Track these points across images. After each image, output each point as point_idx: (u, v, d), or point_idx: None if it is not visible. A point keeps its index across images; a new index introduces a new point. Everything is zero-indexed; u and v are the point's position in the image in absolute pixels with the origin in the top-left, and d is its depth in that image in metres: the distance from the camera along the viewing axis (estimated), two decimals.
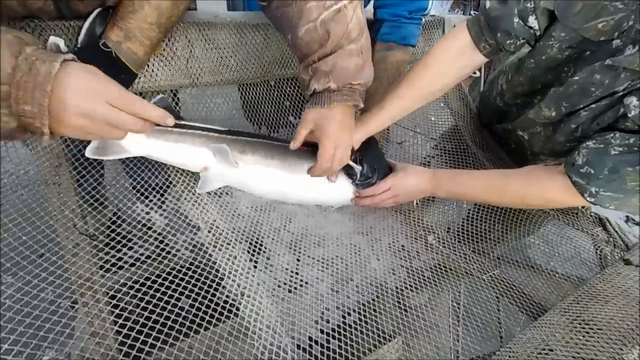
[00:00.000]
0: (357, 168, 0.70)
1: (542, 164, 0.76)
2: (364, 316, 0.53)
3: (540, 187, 0.61)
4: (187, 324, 0.43)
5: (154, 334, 0.41)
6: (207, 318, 0.44)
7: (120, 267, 0.47)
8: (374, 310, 0.56)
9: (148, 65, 0.58)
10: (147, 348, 0.39)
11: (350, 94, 0.55)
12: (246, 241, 0.58)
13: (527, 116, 0.71)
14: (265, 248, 0.60)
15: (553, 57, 0.63)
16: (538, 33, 0.61)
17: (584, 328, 0.50)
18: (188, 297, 0.45)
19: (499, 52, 0.65)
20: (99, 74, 0.39)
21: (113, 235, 0.49)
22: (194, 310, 0.44)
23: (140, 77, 0.58)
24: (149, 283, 0.45)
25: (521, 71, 0.72)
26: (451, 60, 0.66)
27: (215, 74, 0.66)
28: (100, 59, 0.51)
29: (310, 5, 0.49)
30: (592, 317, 0.53)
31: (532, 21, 0.59)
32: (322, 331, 0.49)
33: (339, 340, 0.48)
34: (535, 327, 0.53)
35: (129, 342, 0.41)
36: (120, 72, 0.53)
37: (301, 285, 0.55)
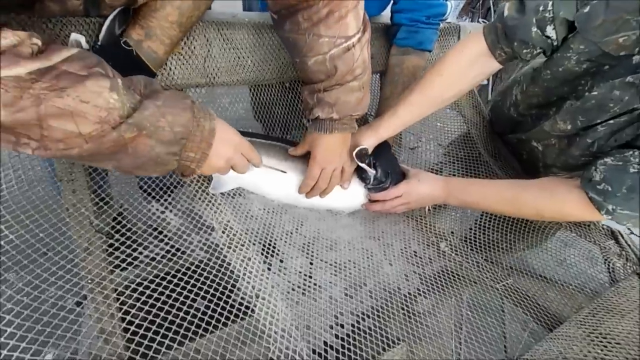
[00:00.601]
0: (371, 172, 0.70)
1: (554, 176, 0.75)
2: (379, 321, 0.53)
3: (556, 200, 0.60)
4: (203, 325, 0.42)
5: (165, 332, 0.41)
6: (222, 320, 0.44)
7: (135, 266, 0.47)
8: (387, 317, 0.55)
9: (166, 64, 0.58)
10: (160, 347, 0.39)
11: (349, 123, 0.60)
12: (259, 243, 0.58)
13: (542, 128, 0.71)
14: (278, 250, 0.59)
15: (570, 70, 0.62)
16: (555, 43, 0.60)
17: (601, 342, 0.50)
18: (203, 298, 0.45)
19: (515, 59, 0.65)
20: (231, 128, 0.52)
21: (128, 234, 0.49)
22: (209, 312, 0.44)
23: (157, 76, 0.58)
24: (164, 282, 0.44)
25: (536, 82, 0.71)
26: (465, 67, 0.66)
27: (231, 74, 0.66)
28: (120, 57, 0.51)
29: (322, 41, 0.52)
30: (609, 330, 0.52)
31: (550, 31, 0.59)
32: (336, 336, 0.49)
33: (354, 345, 0.48)
34: (551, 338, 0.52)
35: (136, 339, 0.40)
36: (139, 71, 0.53)
37: (315, 289, 0.55)
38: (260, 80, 0.71)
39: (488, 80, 2.24)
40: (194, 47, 0.61)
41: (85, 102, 0.35)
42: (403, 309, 0.58)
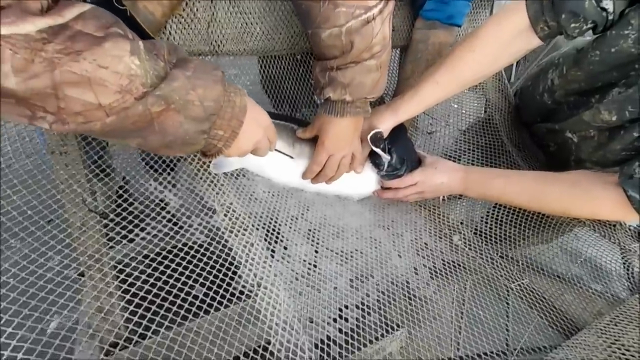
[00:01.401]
0: (386, 158, 0.65)
1: (586, 170, 0.69)
2: (384, 317, 0.50)
3: (588, 198, 0.55)
4: (204, 306, 0.40)
5: (163, 312, 0.39)
6: (225, 302, 0.42)
7: (131, 240, 0.44)
8: (389, 308, 0.52)
9: (165, 27, 0.53)
10: (151, 325, 0.37)
11: (362, 106, 0.56)
12: (263, 228, 0.55)
13: (581, 118, 0.64)
14: (282, 236, 0.56)
15: (625, 51, 0.54)
16: (611, 17, 0.52)
17: (624, 354, 0.46)
18: (202, 285, 0.43)
19: (559, 35, 0.57)
20: (261, 108, 0.48)
21: (124, 213, 0.46)
22: (208, 299, 0.41)
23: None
24: (161, 267, 0.42)
25: (580, 65, 0.63)
26: (503, 43, 0.58)
27: (238, 42, 0.60)
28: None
29: (339, 11, 0.46)
30: (632, 342, 0.48)
31: (607, 2, 0.51)
32: (340, 330, 0.46)
33: (358, 340, 0.46)
34: (568, 346, 0.49)
35: (135, 319, 0.39)
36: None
37: (319, 280, 0.52)
38: (270, 51, 0.65)
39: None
40: (197, 10, 0.55)
41: (103, 68, 0.31)
42: (405, 299, 0.55)
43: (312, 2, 0.47)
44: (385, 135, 0.66)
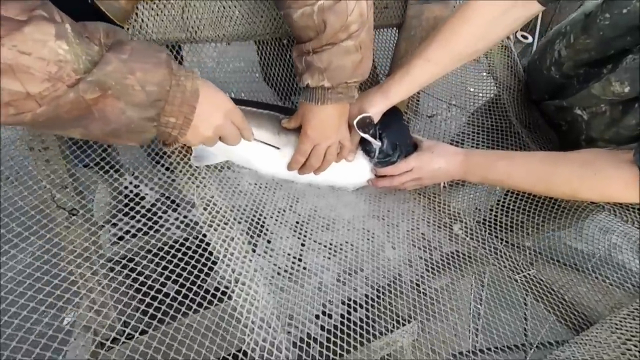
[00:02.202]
0: (376, 144, 0.61)
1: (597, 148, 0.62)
2: (372, 312, 0.47)
3: (600, 178, 0.49)
4: (171, 311, 0.38)
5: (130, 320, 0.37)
6: (194, 306, 0.40)
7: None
8: (384, 307, 0.49)
9: (137, 14, 0.51)
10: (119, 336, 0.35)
11: (345, 92, 0.52)
12: (246, 221, 0.53)
13: (590, 91, 0.57)
14: (267, 230, 0.54)
15: (638, 12, 0.48)
16: None
17: None
18: (175, 282, 0.41)
19: None
20: (221, 92, 0.46)
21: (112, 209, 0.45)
22: (179, 298, 0.40)
23: (127, 29, 0.51)
24: (131, 265, 0.40)
25: (589, 31, 0.57)
26: (499, 12, 0.52)
27: (216, 28, 0.58)
28: (74, 5, 0.43)
29: None
30: None
31: None
32: (322, 327, 0.44)
33: (341, 338, 0.43)
34: (576, 343, 0.44)
35: (108, 323, 0.38)
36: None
37: (303, 274, 0.49)
38: (251, 36, 0.62)
39: (533, 36, 1.92)
40: None
41: (26, 54, 0.29)
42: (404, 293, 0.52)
43: None
44: (377, 119, 0.62)
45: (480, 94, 0.84)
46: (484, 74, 0.85)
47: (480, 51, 0.58)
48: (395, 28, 0.79)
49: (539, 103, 0.77)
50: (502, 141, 0.77)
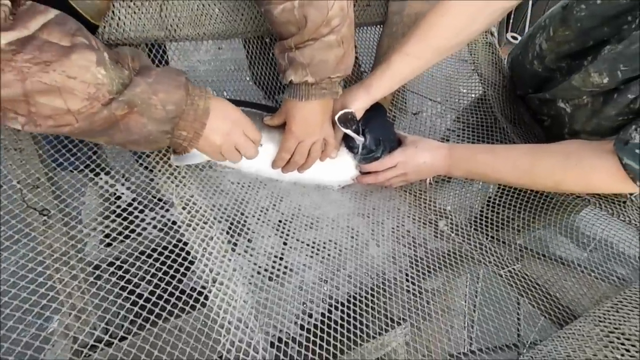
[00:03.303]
0: (359, 140, 0.61)
1: (579, 140, 0.62)
2: (353, 311, 0.46)
3: (581, 169, 0.49)
4: (144, 314, 0.37)
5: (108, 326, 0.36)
6: (168, 308, 0.39)
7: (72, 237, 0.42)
8: (366, 305, 0.49)
9: (113, 12, 0.50)
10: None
11: (329, 87, 0.53)
12: (226, 220, 0.52)
13: (571, 83, 0.57)
14: (248, 229, 0.53)
15: (613, 1, 0.48)
16: None
17: (623, 344, 0.41)
18: (149, 282, 0.40)
19: None
20: (232, 106, 0.51)
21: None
22: (153, 298, 0.39)
23: (104, 27, 0.50)
24: (104, 265, 0.39)
25: (568, 23, 0.57)
26: (477, 3, 0.52)
27: (196, 26, 0.57)
28: (48, 3, 0.43)
29: None
30: (634, 330, 0.43)
31: None
32: (302, 327, 0.43)
33: (321, 339, 0.42)
34: (559, 337, 0.44)
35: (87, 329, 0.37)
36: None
37: (285, 273, 0.49)
38: (232, 34, 0.61)
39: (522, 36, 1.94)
40: None
41: (72, 78, 0.34)
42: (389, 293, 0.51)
43: None
44: (360, 115, 0.61)
45: (465, 90, 0.84)
46: (470, 69, 0.85)
47: (460, 44, 0.57)
48: (378, 26, 0.79)
49: (524, 97, 0.78)
50: (487, 137, 0.77)
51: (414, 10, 0.67)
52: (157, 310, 0.38)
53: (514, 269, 0.55)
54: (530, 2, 1.57)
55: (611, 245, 0.64)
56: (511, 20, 1.62)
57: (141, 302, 0.38)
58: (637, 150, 0.44)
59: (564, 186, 0.53)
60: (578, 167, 0.49)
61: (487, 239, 0.61)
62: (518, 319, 0.56)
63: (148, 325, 0.37)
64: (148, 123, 0.41)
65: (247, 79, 0.76)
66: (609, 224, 0.67)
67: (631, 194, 0.71)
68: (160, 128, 0.42)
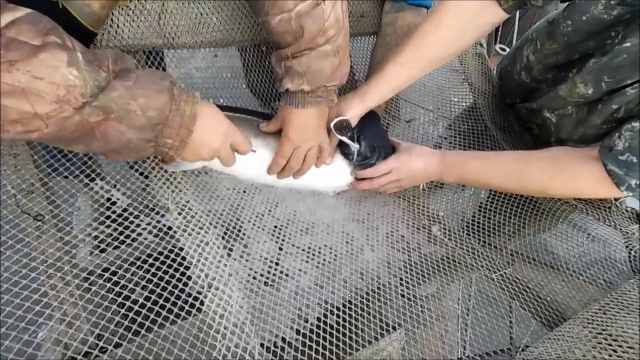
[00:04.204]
0: (354, 146, 0.62)
1: (566, 146, 0.65)
2: (349, 315, 0.47)
3: (568, 174, 0.51)
4: (139, 319, 0.37)
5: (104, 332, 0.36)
6: (164, 313, 0.39)
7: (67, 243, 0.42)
8: (362, 310, 0.49)
9: (112, 20, 0.51)
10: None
11: (324, 95, 0.54)
12: (222, 226, 0.52)
13: (558, 93, 0.60)
14: (244, 234, 0.53)
15: (597, 18, 0.50)
16: None
17: (610, 345, 0.42)
18: (144, 288, 0.40)
19: (524, 6, 0.53)
20: (220, 113, 0.47)
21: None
22: (148, 304, 0.39)
23: (103, 34, 0.50)
24: (98, 271, 0.39)
25: (554, 37, 0.59)
26: (467, 17, 0.55)
27: (194, 34, 0.58)
28: (43, 10, 0.43)
29: None
30: (621, 331, 0.44)
31: None
32: (298, 332, 0.43)
33: (317, 343, 0.42)
34: (550, 339, 0.45)
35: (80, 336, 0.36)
36: (73, 29, 0.46)
37: (280, 278, 0.49)
38: (229, 42, 0.62)
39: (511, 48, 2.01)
40: (145, 1, 0.53)
41: (38, 79, 0.31)
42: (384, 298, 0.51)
43: None
44: (355, 123, 0.62)
45: (456, 99, 0.86)
46: (460, 79, 0.88)
47: (452, 55, 0.59)
48: (372, 36, 0.81)
49: (512, 106, 0.80)
50: (478, 144, 0.79)
51: (406, 22, 0.70)
52: (152, 316, 0.38)
53: (505, 273, 0.57)
54: (518, 16, 1.63)
55: (598, 250, 0.66)
56: (499, 33, 1.68)
57: (136, 307, 0.38)
58: (620, 157, 0.46)
59: (551, 191, 0.55)
60: (565, 173, 0.51)
61: (479, 243, 0.63)
62: (510, 322, 0.57)
63: (143, 331, 0.37)
64: (127, 131, 0.37)
65: (243, 86, 0.77)
66: (596, 228, 0.69)
67: (616, 199, 0.74)
68: (142, 136, 0.39)
